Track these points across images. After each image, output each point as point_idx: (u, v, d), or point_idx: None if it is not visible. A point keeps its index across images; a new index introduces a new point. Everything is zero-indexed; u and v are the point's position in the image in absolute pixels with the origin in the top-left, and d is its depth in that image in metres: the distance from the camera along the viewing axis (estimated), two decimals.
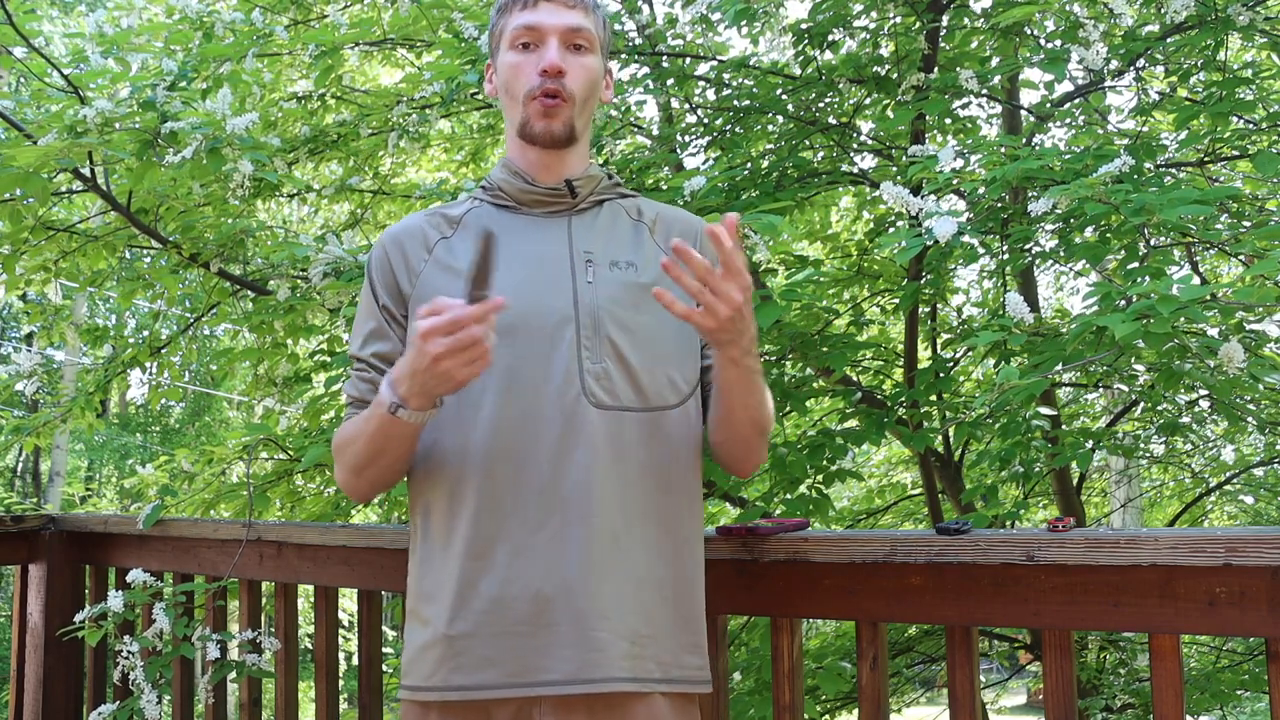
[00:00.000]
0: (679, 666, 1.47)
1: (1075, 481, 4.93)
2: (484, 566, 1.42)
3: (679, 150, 4.11)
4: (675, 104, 4.43)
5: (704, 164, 4.23)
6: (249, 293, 3.60)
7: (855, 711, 4.26)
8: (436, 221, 1.60)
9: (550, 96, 1.51)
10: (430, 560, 1.48)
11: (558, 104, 1.52)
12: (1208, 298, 1.96)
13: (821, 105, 3.88)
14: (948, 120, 3.83)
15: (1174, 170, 3.67)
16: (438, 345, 1.24)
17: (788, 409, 3.72)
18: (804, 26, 3.54)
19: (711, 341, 1.40)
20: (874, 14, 3.63)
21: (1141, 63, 3.56)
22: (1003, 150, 2.51)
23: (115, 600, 2.46)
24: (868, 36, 3.73)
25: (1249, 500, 7.63)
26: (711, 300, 1.31)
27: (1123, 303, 2.07)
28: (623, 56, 3.73)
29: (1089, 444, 3.89)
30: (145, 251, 3.77)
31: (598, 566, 1.42)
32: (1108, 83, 3.76)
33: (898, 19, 3.62)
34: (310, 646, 2.93)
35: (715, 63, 3.78)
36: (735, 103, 3.84)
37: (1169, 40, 3.28)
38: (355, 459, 1.48)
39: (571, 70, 1.53)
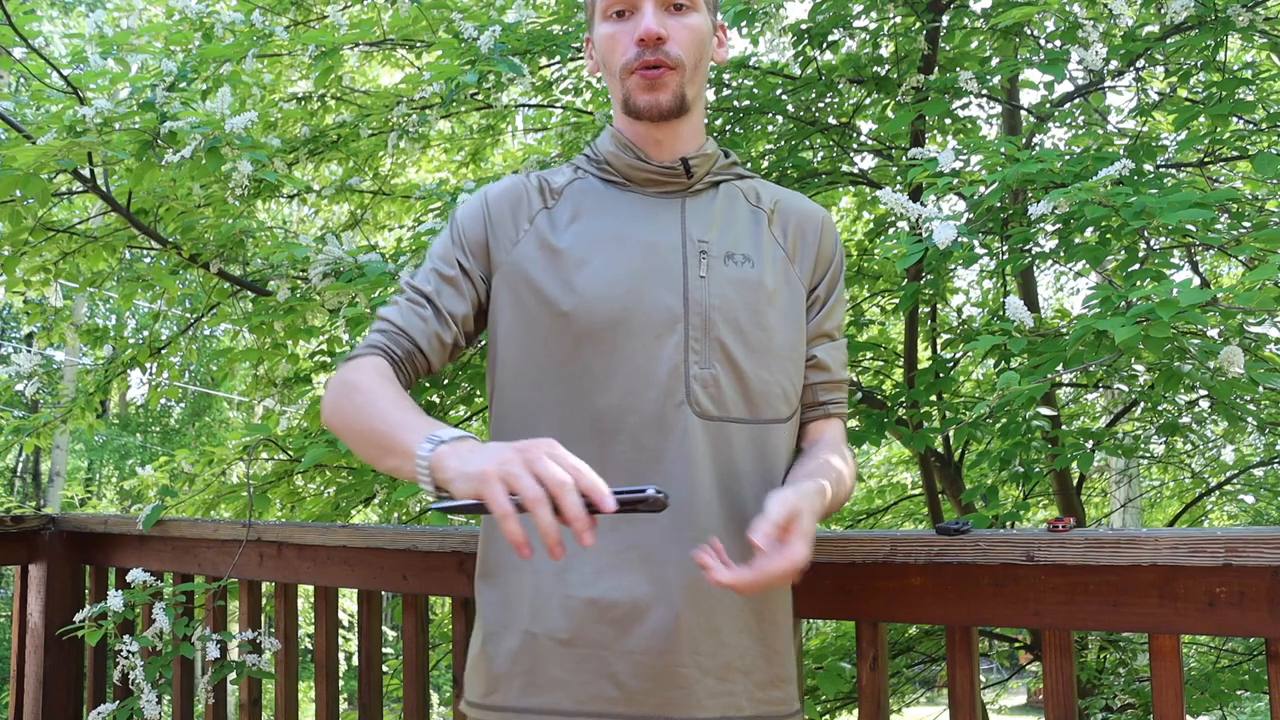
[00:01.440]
0: (767, 702, 1.36)
1: (1075, 482, 4.93)
2: (568, 580, 1.31)
3: None
4: None
5: None
6: (249, 293, 3.60)
7: (855, 711, 4.25)
8: (540, 186, 1.46)
9: (651, 68, 1.37)
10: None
11: (661, 74, 1.37)
12: (1208, 302, 1.96)
13: (821, 105, 3.88)
14: (947, 121, 3.83)
15: (1174, 171, 3.68)
16: (533, 489, 0.98)
17: None
18: (804, 27, 3.54)
19: None
20: (874, 14, 3.63)
21: (1141, 63, 3.56)
22: (1003, 152, 2.51)
23: (115, 600, 2.46)
24: (867, 37, 3.73)
25: (1249, 500, 7.63)
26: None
27: (1123, 304, 2.07)
28: None
29: (1089, 445, 3.89)
30: (145, 252, 3.77)
31: (691, 592, 1.30)
32: (1107, 83, 3.76)
33: (898, 19, 3.62)
34: (310, 647, 2.92)
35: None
36: (735, 103, 3.84)
37: (1169, 41, 3.28)
38: (349, 433, 1.28)
39: (674, 34, 1.38)
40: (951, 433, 4.12)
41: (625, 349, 1.33)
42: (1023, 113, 4.56)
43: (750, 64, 3.79)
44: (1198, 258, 4.41)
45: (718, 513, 1.33)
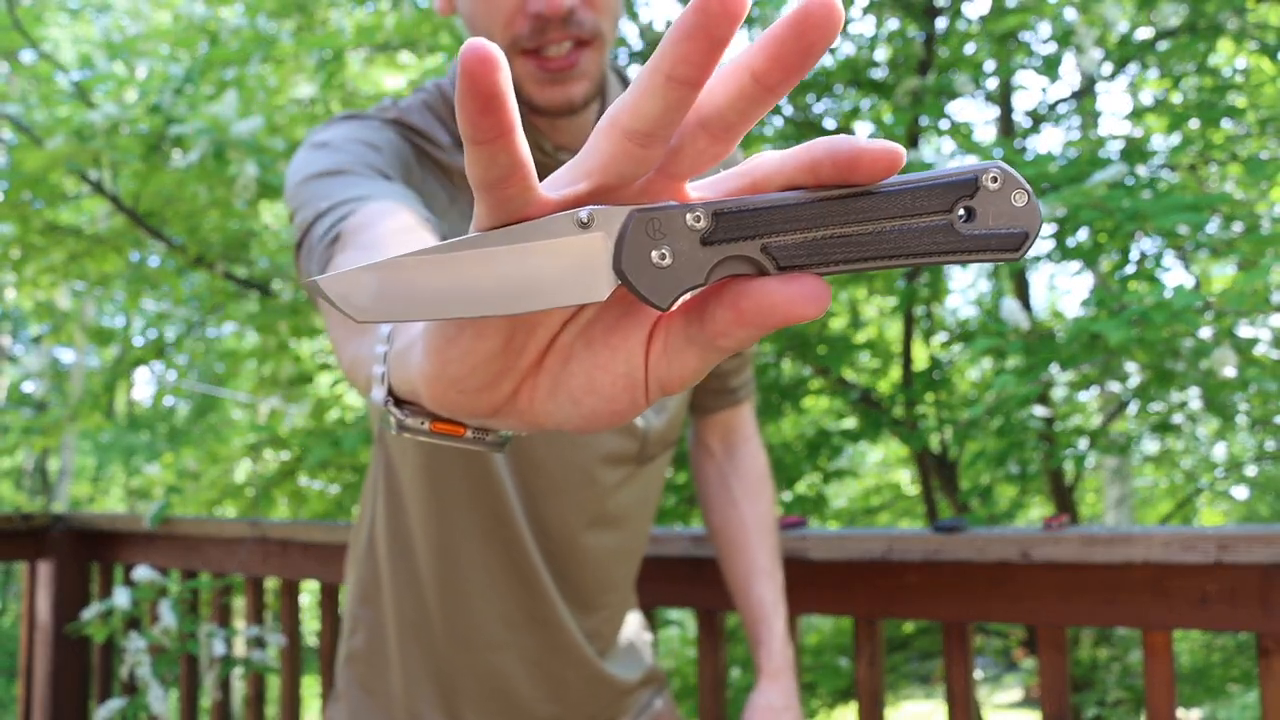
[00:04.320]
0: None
1: (1069, 480, 4.97)
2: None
3: None
4: None
5: None
6: (254, 294, 3.63)
7: (852, 707, 4.28)
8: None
9: (557, 60, 1.03)
10: None
11: (573, 63, 1.04)
12: (1200, 305, 2.00)
13: (819, 109, 3.91)
14: (943, 124, 3.87)
15: (1167, 170, 3.71)
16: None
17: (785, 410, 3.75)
18: None
19: None
20: (871, 18, 3.66)
21: (1135, 67, 3.59)
22: (998, 153, 2.55)
23: (122, 597, 2.49)
24: (865, 42, 3.76)
25: (1241, 496, 7.68)
26: None
27: (1117, 307, 2.11)
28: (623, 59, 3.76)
29: (1083, 444, 3.92)
30: (152, 253, 3.79)
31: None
32: (1101, 87, 3.79)
33: (895, 23, 3.66)
34: (314, 643, 2.96)
35: None
36: None
37: (1160, 45, 3.32)
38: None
39: None
40: (948, 432, 4.15)
41: None
42: (1016, 116, 4.60)
43: None
44: (1188, 257, 4.44)
45: (634, 556, 1.31)
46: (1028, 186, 0.40)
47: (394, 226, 0.79)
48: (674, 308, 0.41)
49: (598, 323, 0.43)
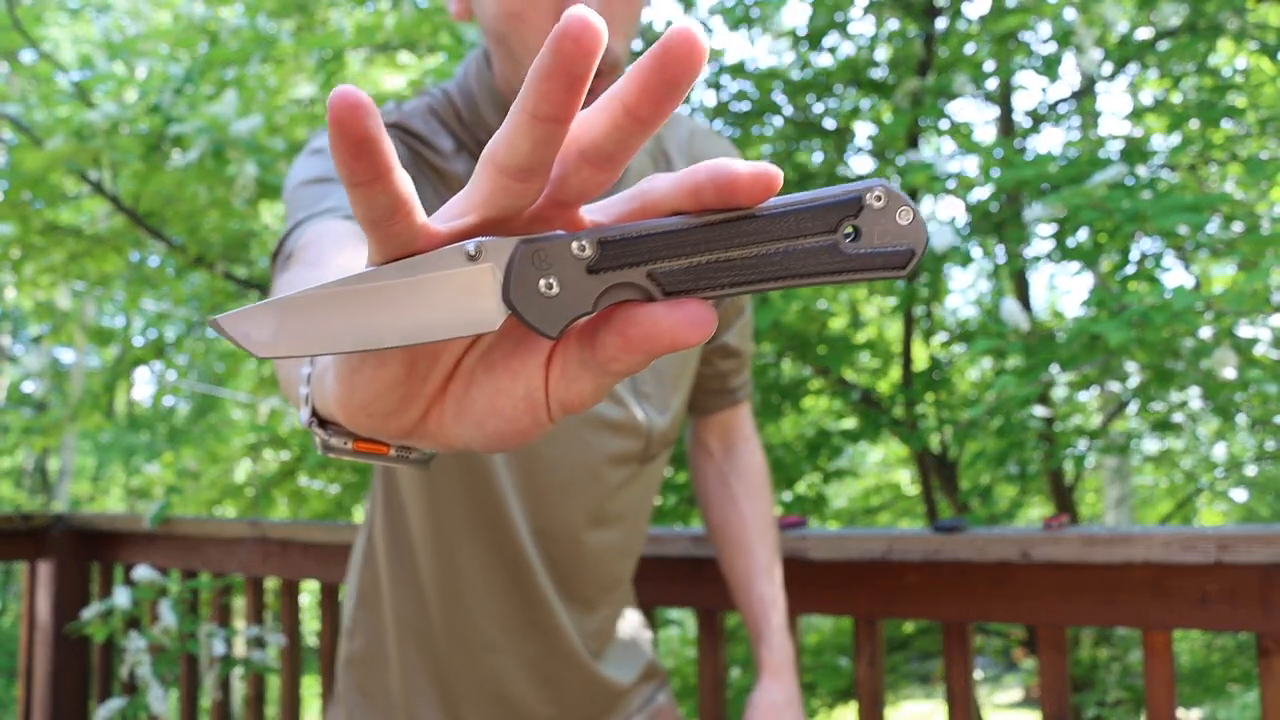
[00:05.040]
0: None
1: (1069, 480, 4.97)
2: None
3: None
4: None
5: None
6: (254, 294, 3.63)
7: (852, 707, 4.28)
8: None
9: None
10: None
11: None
12: (1200, 305, 2.00)
13: (819, 109, 3.91)
14: (943, 124, 3.87)
15: (1167, 170, 3.71)
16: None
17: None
18: (801, 32, 3.58)
19: None
20: (871, 19, 3.66)
21: (1134, 67, 3.59)
22: (998, 154, 2.55)
23: (122, 597, 2.49)
24: (865, 42, 3.77)
25: (1241, 497, 7.68)
26: None
27: (1117, 307, 2.11)
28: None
29: (1083, 444, 3.92)
30: (151, 253, 3.80)
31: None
32: (1101, 87, 3.79)
33: (895, 23, 3.66)
34: (314, 643, 2.96)
35: (714, 66, 3.82)
36: (733, 106, 3.87)
37: (1160, 46, 3.32)
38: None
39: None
40: (948, 432, 4.16)
41: None
42: (1016, 116, 4.60)
43: (748, 68, 3.82)
44: (1188, 257, 4.45)
45: (632, 553, 1.31)
46: (913, 204, 0.40)
47: (337, 245, 0.80)
48: (564, 335, 0.42)
49: (497, 348, 0.44)
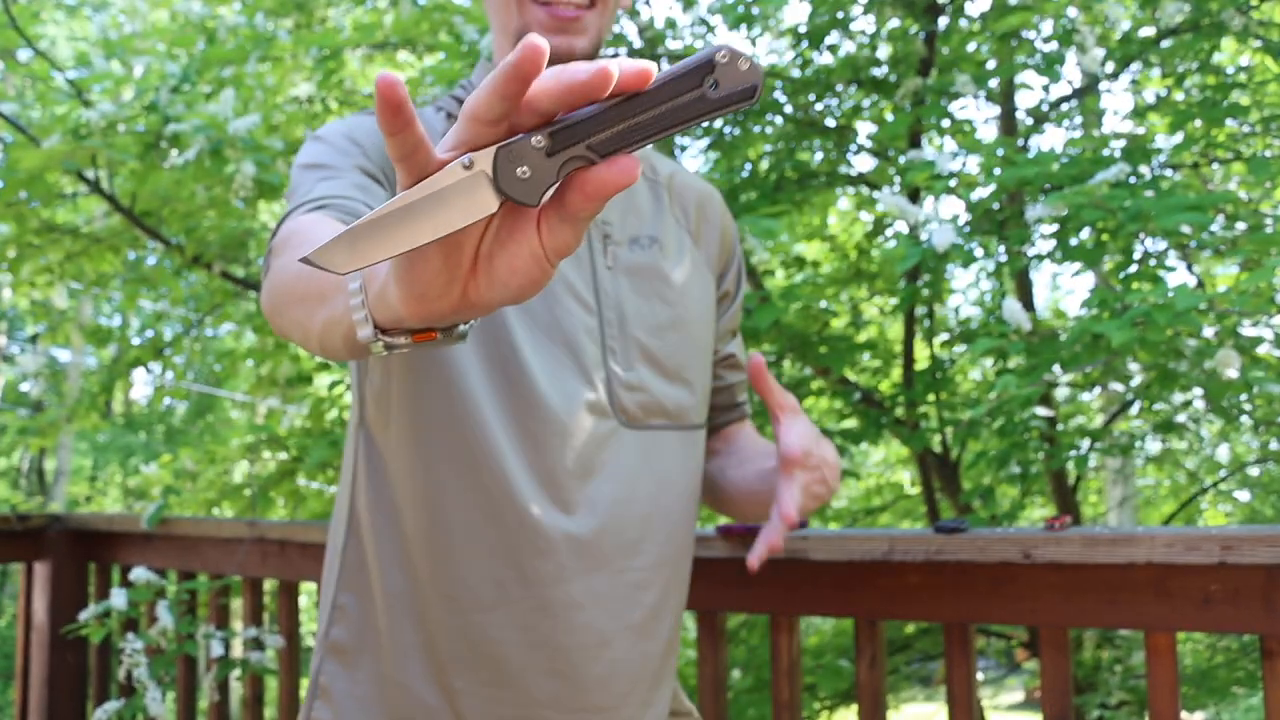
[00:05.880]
0: None
1: (1072, 480, 4.96)
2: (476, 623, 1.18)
3: (679, 152, 4.13)
4: None
5: (704, 165, 4.25)
6: (251, 294, 3.62)
7: (853, 708, 4.27)
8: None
9: (563, 11, 1.16)
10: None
11: (578, 17, 1.16)
12: (1203, 305, 1.99)
13: (820, 107, 3.90)
14: (944, 122, 3.86)
15: (1170, 169, 3.70)
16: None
17: None
18: (801, 30, 3.57)
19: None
20: (872, 17, 3.65)
21: (1137, 66, 3.58)
22: (1000, 153, 2.54)
23: (119, 598, 2.47)
24: (866, 40, 3.75)
25: (1245, 497, 7.66)
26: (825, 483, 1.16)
27: (1120, 307, 2.09)
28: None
29: (1085, 445, 3.91)
30: (149, 253, 3.79)
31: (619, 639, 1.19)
32: (1103, 86, 3.78)
33: (896, 22, 3.64)
34: (312, 644, 2.93)
35: None
36: None
37: (1164, 44, 3.30)
38: (281, 298, 0.91)
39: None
40: (949, 433, 4.14)
41: (535, 355, 1.17)
42: (1019, 114, 4.58)
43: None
44: (1190, 257, 4.44)
45: (656, 530, 1.22)
46: (750, 55, 0.56)
47: (314, 236, 0.93)
48: (543, 202, 0.58)
49: (502, 228, 0.61)
